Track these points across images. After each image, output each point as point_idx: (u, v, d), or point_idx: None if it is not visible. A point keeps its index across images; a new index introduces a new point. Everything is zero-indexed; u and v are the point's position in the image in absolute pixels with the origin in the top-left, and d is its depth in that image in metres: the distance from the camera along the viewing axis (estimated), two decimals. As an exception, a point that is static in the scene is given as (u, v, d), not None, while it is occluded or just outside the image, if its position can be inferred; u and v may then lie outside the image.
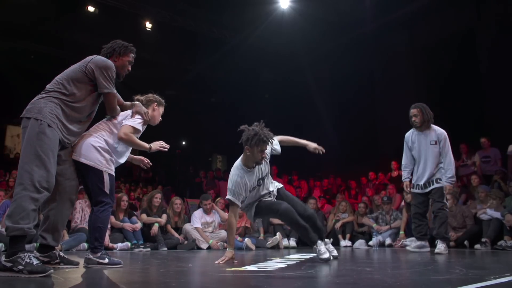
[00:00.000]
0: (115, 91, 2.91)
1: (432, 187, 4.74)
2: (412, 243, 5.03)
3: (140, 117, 3.09)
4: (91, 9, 9.98)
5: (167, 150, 3.22)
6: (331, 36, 10.96)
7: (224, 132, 14.68)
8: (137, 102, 3.19)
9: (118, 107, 3.05)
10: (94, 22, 9.93)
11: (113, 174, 2.97)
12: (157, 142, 3.20)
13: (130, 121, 3.03)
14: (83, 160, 2.83)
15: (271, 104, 14.15)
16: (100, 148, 2.88)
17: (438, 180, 4.69)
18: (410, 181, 4.97)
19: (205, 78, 13.53)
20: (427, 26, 10.02)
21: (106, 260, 2.90)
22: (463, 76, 9.11)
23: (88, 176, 2.88)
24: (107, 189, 2.88)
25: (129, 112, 3.12)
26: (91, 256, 2.89)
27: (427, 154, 4.73)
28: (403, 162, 5.01)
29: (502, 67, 8.38)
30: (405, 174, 4.98)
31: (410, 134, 4.93)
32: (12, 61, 11.21)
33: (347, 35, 10.76)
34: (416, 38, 10.47)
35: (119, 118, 3.08)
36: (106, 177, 2.88)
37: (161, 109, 3.34)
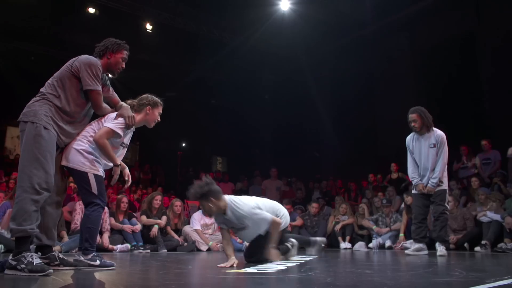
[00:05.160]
0: (99, 88, 2.86)
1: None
2: (412, 246, 5.03)
3: (122, 120, 2.95)
4: (91, 10, 9.98)
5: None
6: (331, 37, 10.97)
7: (224, 133, 14.72)
8: (125, 104, 3.07)
9: (104, 105, 2.99)
10: (94, 24, 9.93)
11: (100, 174, 2.88)
12: (116, 176, 2.94)
13: (110, 123, 2.92)
14: (65, 163, 2.83)
15: (271, 105, 14.16)
16: (82, 150, 2.83)
17: (440, 183, 4.66)
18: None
19: (205, 80, 13.53)
20: (427, 28, 10.02)
21: (98, 262, 2.82)
22: (463, 78, 9.11)
23: (75, 179, 2.90)
24: (94, 190, 2.82)
25: (113, 115, 3.01)
26: (82, 258, 2.82)
27: (427, 157, 4.73)
28: (409, 169, 4.95)
29: (502, 69, 8.39)
30: (415, 178, 4.85)
31: (410, 138, 4.90)
32: (13, 62, 11.22)
33: (347, 37, 10.76)
34: (416, 40, 10.47)
35: (105, 119, 3.00)
36: (91, 178, 2.81)
37: (157, 110, 3.18)
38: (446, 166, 4.77)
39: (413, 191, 4.93)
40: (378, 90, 11.30)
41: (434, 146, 4.68)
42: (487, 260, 4.34)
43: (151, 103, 3.16)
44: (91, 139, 2.87)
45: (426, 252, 4.82)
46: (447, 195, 4.75)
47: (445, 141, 4.69)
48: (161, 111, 3.24)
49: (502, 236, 5.53)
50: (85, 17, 10.05)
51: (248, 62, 11.94)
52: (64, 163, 2.84)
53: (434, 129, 4.76)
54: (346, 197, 9.18)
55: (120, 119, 2.95)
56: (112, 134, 2.89)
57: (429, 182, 4.67)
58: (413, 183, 4.92)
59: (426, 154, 4.72)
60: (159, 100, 3.23)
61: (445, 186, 4.69)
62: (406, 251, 5.01)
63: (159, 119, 3.23)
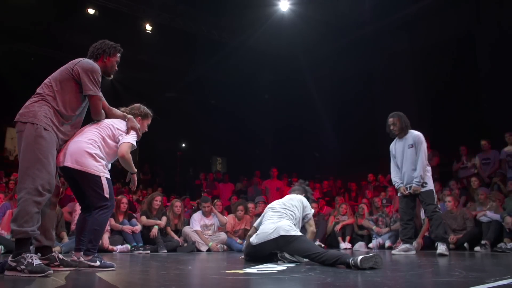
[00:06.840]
0: (100, 94, 2.93)
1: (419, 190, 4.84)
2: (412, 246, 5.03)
3: (135, 133, 3.09)
4: (91, 11, 9.98)
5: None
6: (330, 38, 10.98)
7: (224, 134, 14.72)
8: (130, 116, 3.17)
9: (103, 111, 3.04)
10: (94, 25, 9.92)
11: (109, 177, 2.93)
12: (135, 183, 3.20)
13: (127, 138, 3.02)
14: (78, 167, 2.77)
15: (271, 106, 14.16)
16: (96, 155, 2.84)
17: (424, 184, 4.78)
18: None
19: (205, 80, 13.54)
20: (426, 28, 10.03)
21: (98, 263, 2.84)
22: (463, 78, 9.11)
23: (84, 183, 2.83)
24: (106, 193, 2.84)
25: (123, 126, 3.09)
26: (81, 259, 2.84)
27: (405, 158, 4.92)
28: (392, 174, 5.17)
29: (501, 68, 8.39)
30: (397, 182, 5.08)
31: (393, 144, 5.14)
32: (12, 63, 11.21)
33: (347, 37, 10.77)
34: (415, 40, 10.48)
35: (113, 126, 3.03)
36: (104, 181, 2.84)
37: (147, 121, 3.34)
38: (429, 167, 4.92)
39: (398, 194, 5.09)
40: (378, 90, 11.30)
41: (412, 146, 4.88)
42: (487, 260, 4.34)
43: (142, 114, 3.30)
44: (100, 145, 2.91)
45: (413, 252, 4.91)
46: (435, 194, 4.86)
47: (422, 140, 4.85)
48: (150, 122, 3.37)
49: (501, 236, 5.53)
50: (84, 18, 10.04)
51: (247, 62, 11.93)
52: (75, 166, 2.77)
53: (411, 130, 4.96)
54: (346, 197, 9.18)
55: (133, 132, 3.09)
56: (131, 147, 3.03)
57: (413, 182, 4.80)
58: (396, 186, 5.13)
59: (406, 155, 4.91)
60: (150, 112, 3.36)
61: (430, 186, 4.82)
62: (393, 251, 5.09)
63: (146, 130, 3.33)
